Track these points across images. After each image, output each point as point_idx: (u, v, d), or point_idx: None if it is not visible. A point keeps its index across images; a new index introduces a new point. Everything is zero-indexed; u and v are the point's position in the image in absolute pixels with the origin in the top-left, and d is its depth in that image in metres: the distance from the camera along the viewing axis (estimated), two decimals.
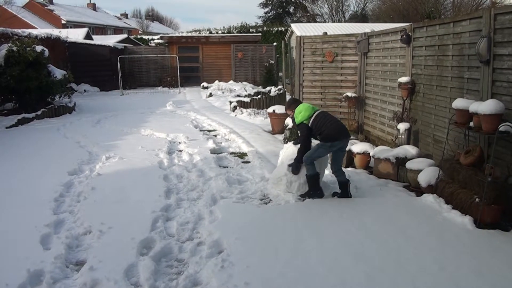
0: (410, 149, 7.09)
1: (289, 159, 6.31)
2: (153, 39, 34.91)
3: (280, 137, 10.29)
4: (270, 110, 11.44)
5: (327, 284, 3.80)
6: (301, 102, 6.49)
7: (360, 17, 45.31)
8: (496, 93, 5.58)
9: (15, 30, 16.18)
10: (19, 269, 4.01)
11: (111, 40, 28.76)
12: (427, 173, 6.24)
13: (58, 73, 14.11)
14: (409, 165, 6.70)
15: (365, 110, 10.34)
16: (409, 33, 7.89)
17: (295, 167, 6.17)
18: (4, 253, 4.40)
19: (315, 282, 3.83)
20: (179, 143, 9.81)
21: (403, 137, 7.75)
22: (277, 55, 24.74)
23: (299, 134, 6.42)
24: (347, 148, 7.78)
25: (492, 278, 3.90)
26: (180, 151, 9.07)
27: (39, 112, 13.05)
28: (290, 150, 6.41)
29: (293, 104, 6.41)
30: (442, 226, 5.03)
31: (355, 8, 50.99)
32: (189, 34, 33.83)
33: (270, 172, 6.95)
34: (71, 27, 38.26)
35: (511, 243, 4.60)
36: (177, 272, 4.18)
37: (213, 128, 11.88)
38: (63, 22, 41.68)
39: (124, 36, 34.03)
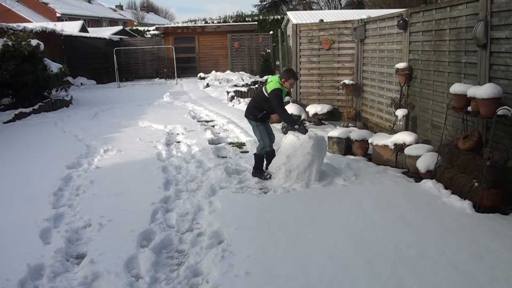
0: (409, 135, 7.07)
1: (288, 149, 6.31)
2: (148, 30, 34.65)
3: (278, 126, 10.26)
4: None
5: (327, 272, 3.80)
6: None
7: (357, 3, 44.94)
8: (494, 77, 5.55)
9: (10, 24, 16.09)
10: (19, 264, 4.01)
11: (106, 32, 28.55)
12: (426, 159, 6.23)
13: (54, 66, 14.05)
14: (408, 151, 6.69)
15: (363, 97, 10.31)
16: (406, 18, 7.84)
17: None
18: (4, 248, 4.40)
19: (316, 270, 3.83)
20: (177, 134, 9.80)
21: (401, 123, 7.74)
22: (274, 44, 24.61)
23: None
24: (345, 136, 7.83)
25: (492, 261, 3.90)
26: (178, 142, 9.05)
27: (36, 107, 12.99)
28: (289, 140, 6.40)
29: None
30: (441, 211, 5.04)
31: None
32: (185, 25, 33.60)
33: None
34: (66, 20, 37.95)
35: (510, 226, 4.61)
36: (178, 263, 4.19)
37: (211, 118, 11.85)
38: (58, 15, 41.28)
39: (120, 28, 33.82)
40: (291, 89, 7.98)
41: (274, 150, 6.83)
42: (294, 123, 6.51)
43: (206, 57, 25.38)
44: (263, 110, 6.50)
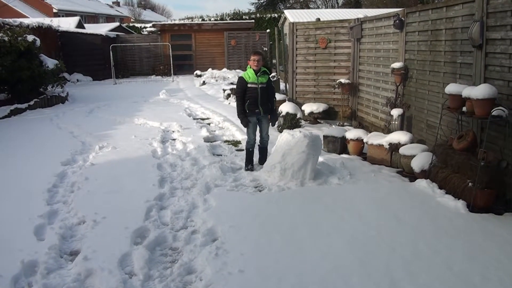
0: (403, 135, 7.09)
1: (283, 148, 6.32)
2: (145, 27, 34.52)
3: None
4: None
5: (320, 270, 3.81)
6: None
7: (354, 2, 44.94)
8: (489, 78, 5.57)
9: (6, 19, 15.98)
10: (13, 261, 4.00)
11: (103, 28, 28.45)
12: (421, 159, 6.25)
13: (50, 62, 13.98)
14: (403, 150, 6.71)
15: (358, 97, 10.33)
16: (402, 18, 7.85)
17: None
18: None
19: (309, 269, 3.84)
20: (173, 131, 9.79)
21: (396, 123, 7.76)
22: (271, 42, 24.56)
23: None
24: (340, 135, 7.85)
25: (485, 261, 3.93)
26: (174, 139, 9.04)
27: (31, 103, 12.94)
28: (284, 138, 6.40)
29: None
30: (435, 211, 5.06)
31: None
32: (182, 22, 33.45)
33: None
34: (62, 16, 37.82)
35: (503, 226, 4.64)
36: (172, 261, 4.19)
37: (207, 116, 11.84)
38: (54, 10, 41.11)
39: (116, 24, 33.69)
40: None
41: (267, 147, 6.98)
42: (239, 114, 6.78)
43: (202, 54, 25.33)
44: (246, 100, 6.69)
